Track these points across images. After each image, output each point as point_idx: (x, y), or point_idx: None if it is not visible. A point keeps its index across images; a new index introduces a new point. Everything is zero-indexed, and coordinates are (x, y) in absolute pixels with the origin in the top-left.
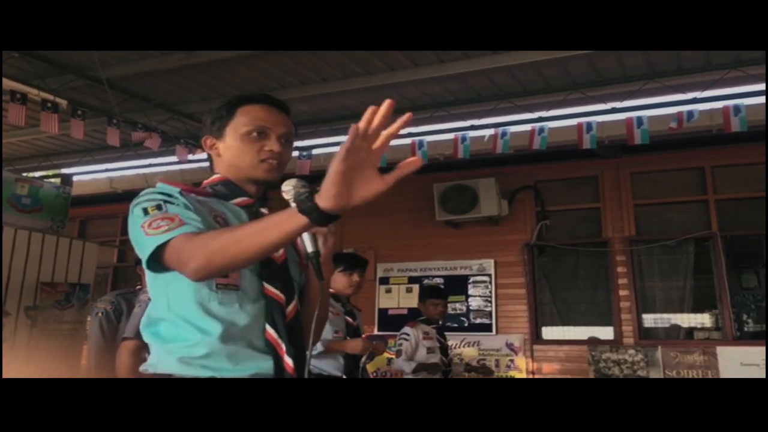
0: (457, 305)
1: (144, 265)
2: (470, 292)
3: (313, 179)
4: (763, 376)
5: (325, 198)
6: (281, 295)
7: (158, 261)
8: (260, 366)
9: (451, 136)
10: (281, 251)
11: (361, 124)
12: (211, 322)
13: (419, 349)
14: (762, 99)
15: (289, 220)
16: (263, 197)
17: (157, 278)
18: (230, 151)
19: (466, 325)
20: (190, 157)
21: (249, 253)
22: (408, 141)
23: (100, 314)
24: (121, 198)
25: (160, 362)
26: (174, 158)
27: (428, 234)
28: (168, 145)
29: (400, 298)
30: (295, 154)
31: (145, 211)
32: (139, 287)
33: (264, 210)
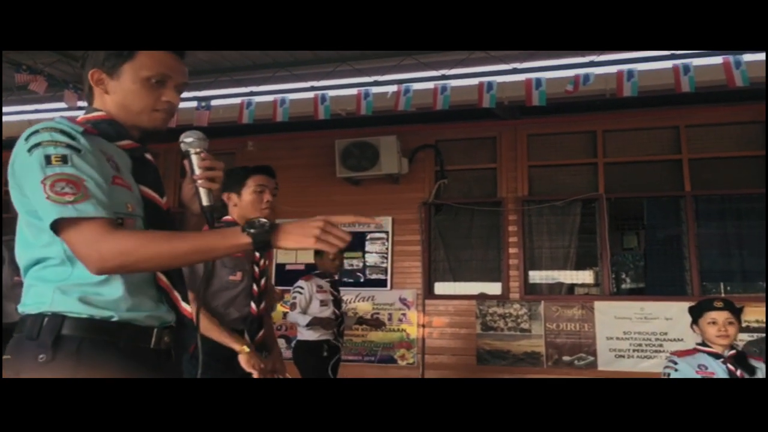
0: (354, 261)
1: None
2: (367, 248)
3: (211, 131)
4: (637, 329)
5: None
6: None
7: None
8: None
9: (354, 91)
10: (165, 200)
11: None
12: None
13: (312, 302)
14: (653, 65)
15: (236, 238)
16: (144, 142)
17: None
18: (124, 93)
19: (362, 280)
20: (80, 103)
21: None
22: (311, 95)
23: None
24: (2, 145)
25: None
26: (62, 104)
27: (328, 191)
28: (56, 90)
29: (298, 254)
30: (194, 104)
31: (48, 160)
32: None
33: (148, 156)
